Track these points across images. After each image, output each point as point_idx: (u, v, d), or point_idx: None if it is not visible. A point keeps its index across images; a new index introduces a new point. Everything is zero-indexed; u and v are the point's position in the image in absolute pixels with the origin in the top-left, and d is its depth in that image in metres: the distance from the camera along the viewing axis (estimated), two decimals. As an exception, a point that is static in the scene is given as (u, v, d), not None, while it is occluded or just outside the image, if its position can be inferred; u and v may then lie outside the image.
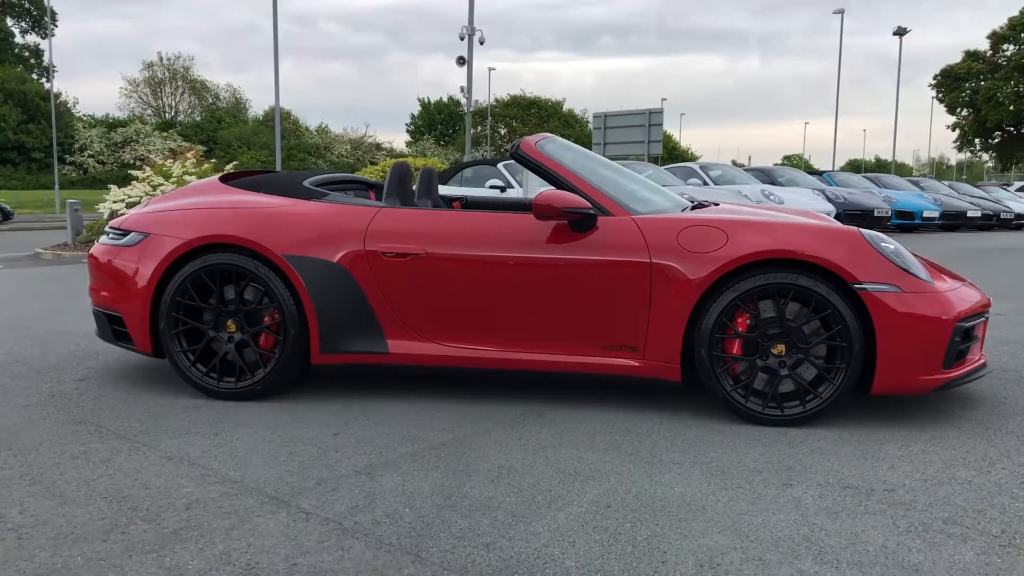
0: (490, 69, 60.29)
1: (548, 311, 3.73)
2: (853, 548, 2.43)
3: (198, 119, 66.94)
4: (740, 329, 3.55)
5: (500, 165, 11.54)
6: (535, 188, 10.05)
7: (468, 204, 5.13)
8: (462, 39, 21.27)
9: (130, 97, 69.93)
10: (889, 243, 3.60)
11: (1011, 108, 55.85)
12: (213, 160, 14.39)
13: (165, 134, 55.61)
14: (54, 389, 4.12)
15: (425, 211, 3.98)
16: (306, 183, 4.23)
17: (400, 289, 3.81)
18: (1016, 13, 55.98)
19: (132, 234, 4.06)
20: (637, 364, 3.66)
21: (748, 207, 4.73)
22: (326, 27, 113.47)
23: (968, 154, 69.22)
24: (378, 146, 62.03)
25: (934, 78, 59.33)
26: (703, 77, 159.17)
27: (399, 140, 71.57)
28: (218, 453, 3.21)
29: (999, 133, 59.26)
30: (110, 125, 57.14)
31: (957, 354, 3.55)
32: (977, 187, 25.97)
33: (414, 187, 4.53)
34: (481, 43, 21.81)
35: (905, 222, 18.43)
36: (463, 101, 23.83)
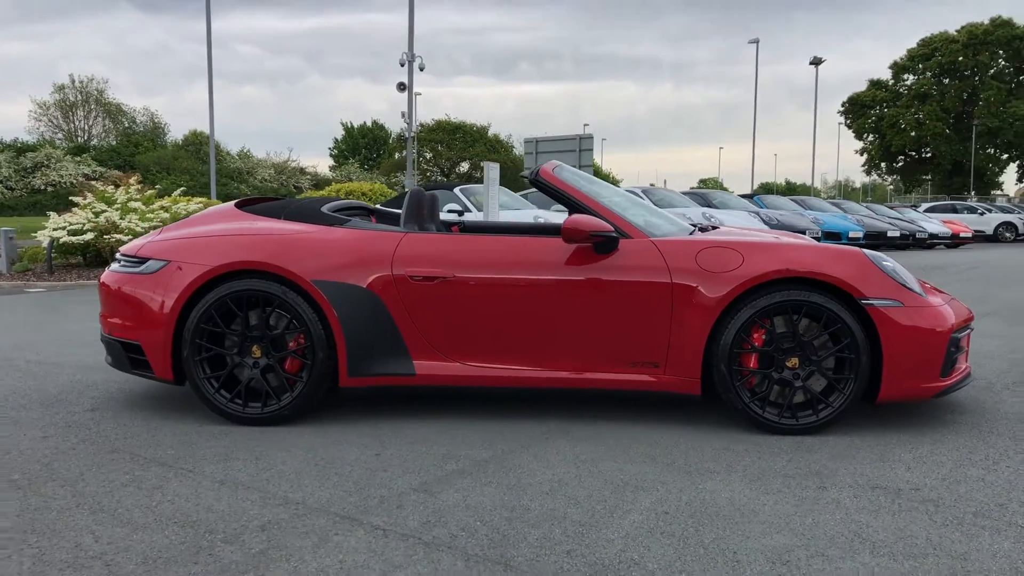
0: (416, 94, 60.33)
1: (572, 331, 3.88)
2: (902, 542, 2.64)
3: (113, 143, 64.92)
4: (757, 344, 3.78)
5: (457, 190, 11.68)
6: (495, 212, 10.22)
7: (465, 229, 5.25)
8: (402, 65, 21.40)
9: (39, 120, 67.44)
10: (888, 261, 3.89)
11: (912, 134, 59.05)
12: (157, 187, 14.11)
13: (78, 159, 53.65)
14: (68, 420, 4.06)
15: (449, 236, 4.10)
16: (324, 209, 4.30)
17: (427, 312, 3.91)
18: (914, 45, 59.32)
19: (150, 261, 4.05)
20: (659, 379, 3.85)
21: (744, 229, 5.00)
22: (241, 49, 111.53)
23: (875, 177, 72.60)
24: (302, 170, 61.15)
25: (842, 105, 62.32)
26: (618, 103, 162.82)
27: (322, 164, 70.81)
28: (268, 476, 3.25)
29: (902, 157, 62.46)
30: (19, 150, 54.81)
31: (951, 364, 3.85)
32: (891, 208, 27.32)
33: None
34: (421, 69, 22.03)
35: (832, 242, 19.28)
36: (403, 126, 23.94)
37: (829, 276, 3.69)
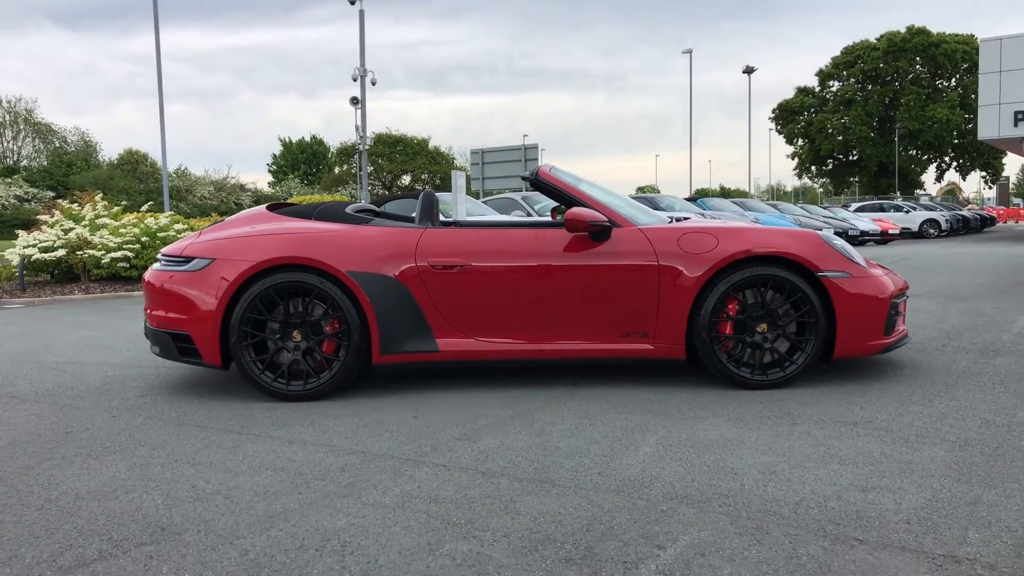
0: (357, 107, 60.45)
1: (574, 308, 4.50)
2: (863, 456, 3.32)
3: (45, 164, 63.55)
4: (731, 313, 4.45)
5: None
6: (463, 217, 10.77)
7: (459, 226, 5.83)
8: (355, 80, 21.89)
9: (-36, 142, 65.56)
10: (836, 240, 4.60)
11: (839, 138, 61.51)
12: (124, 203, 14.37)
13: (9, 180, 52.36)
14: (125, 404, 4.52)
15: (463, 230, 4.69)
16: (348, 210, 4.85)
17: (447, 296, 4.49)
18: (838, 53, 61.81)
19: (196, 260, 4.54)
20: (650, 347, 4.49)
21: (712, 219, 5.68)
22: (170, 67, 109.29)
23: (807, 180, 75.13)
24: (242, 187, 60.68)
25: (773, 112, 64.51)
26: (553, 114, 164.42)
27: (261, 181, 70.28)
28: (328, 436, 3.78)
29: (831, 160, 64.95)
30: (-56, 173, 53.37)
31: (892, 324, 4.58)
32: (823, 208, 28.69)
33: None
34: (373, 84, 22.57)
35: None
36: (356, 139, 24.35)
37: (790, 253, 4.38)
